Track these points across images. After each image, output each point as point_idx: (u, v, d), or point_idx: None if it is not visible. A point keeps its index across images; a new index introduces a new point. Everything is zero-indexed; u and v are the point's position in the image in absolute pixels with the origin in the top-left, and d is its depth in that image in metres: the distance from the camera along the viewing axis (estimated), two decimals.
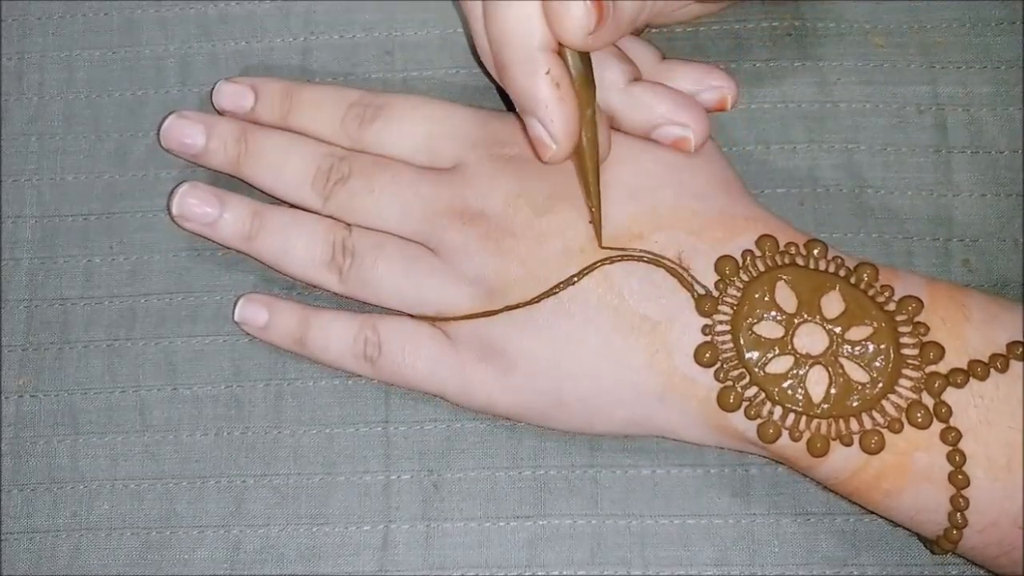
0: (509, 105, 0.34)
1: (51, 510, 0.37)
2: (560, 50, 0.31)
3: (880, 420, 0.32)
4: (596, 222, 0.33)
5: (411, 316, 0.36)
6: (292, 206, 0.37)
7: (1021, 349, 0.31)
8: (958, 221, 0.38)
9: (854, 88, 0.39)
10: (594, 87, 0.32)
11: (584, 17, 0.30)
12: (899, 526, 0.35)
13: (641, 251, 0.33)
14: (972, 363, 0.31)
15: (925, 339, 0.32)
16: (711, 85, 0.36)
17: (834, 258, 0.33)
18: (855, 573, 0.35)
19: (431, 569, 0.36)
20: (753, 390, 0.32)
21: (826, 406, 0.32)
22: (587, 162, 0.32)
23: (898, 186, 0.38)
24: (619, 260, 0.33)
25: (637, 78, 0.35)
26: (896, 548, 0.35)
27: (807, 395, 0.32)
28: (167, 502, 0.37)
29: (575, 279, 0.33)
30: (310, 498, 0.36)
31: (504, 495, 0.36)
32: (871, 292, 0.33)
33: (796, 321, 0.32)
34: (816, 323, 0.32)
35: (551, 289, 0.33)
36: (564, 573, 0.36)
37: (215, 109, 0.38)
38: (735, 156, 0.38)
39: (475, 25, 0.33)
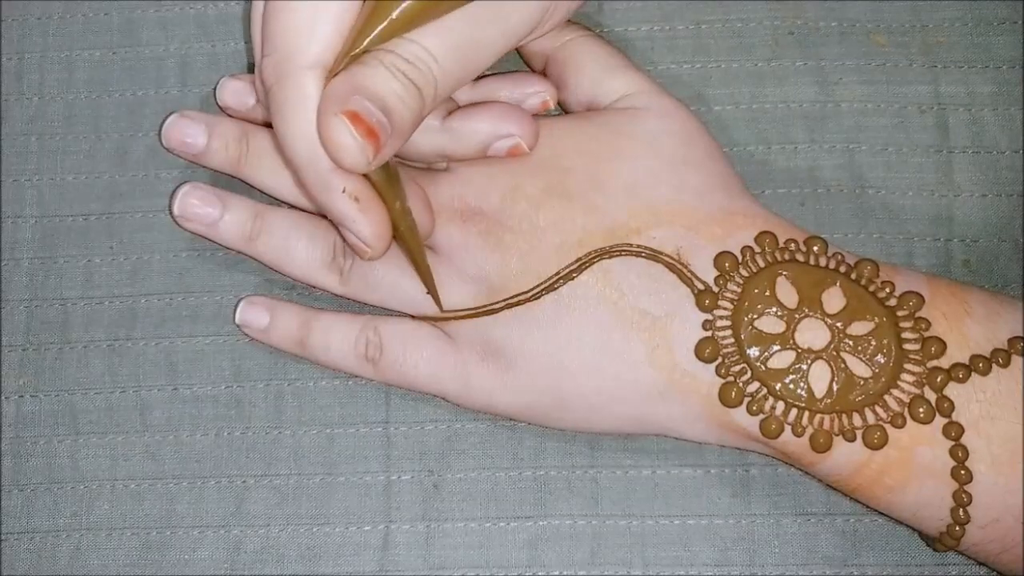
0: None
1: (51, 510, 0.37)
2: None
3: (883, 415, 0.32)
4: (433, 295, 0.34)
5: (412, 316, 0.36)
6: (293, 207, 0.37)
7: (1022, 344, 0.31)
8: (959, 221, 0.38)
9: (855, 88, 0.39)
10: (397, 177, 0.31)
11: (359, 154, 0.29)
12: (901, 524, 0.35)
13: (639, 246, 0.33)
14: (974, 358, 0.32)
15: (926, 334, 0.32)
16: (529, 92, 0.36)
17: (834, 255, 0.34)
18: (855, 573, 0.35)
19: (431, 569, 0.36)
20: (755, 385, 0.32)
21: (828, 401, 0.32)
22: (411, 245, 0.32)
23: (899, 186, 0.38)
24: (618, 254, 0.33)
25: (451, 110, 0.35)
26: (896, 548, 0.35)
27: (809, 390, 0.32)
28: (167, 502, 0.37)
29: (574, 273, 0.33)
30: (310, 498, 0.36)
31: (504, 495, 0.36)
32: (872, 288, 0.33)
33: (797, 316, 0.32)
34: (817, 318, 0.32)
35: (549, 281, 0.33)
36: (564, 573, 0.36)
37: (218, 105, 0.38)
38: (736, 156, 0.38)
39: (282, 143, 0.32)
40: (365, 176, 0.30)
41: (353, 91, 0.28)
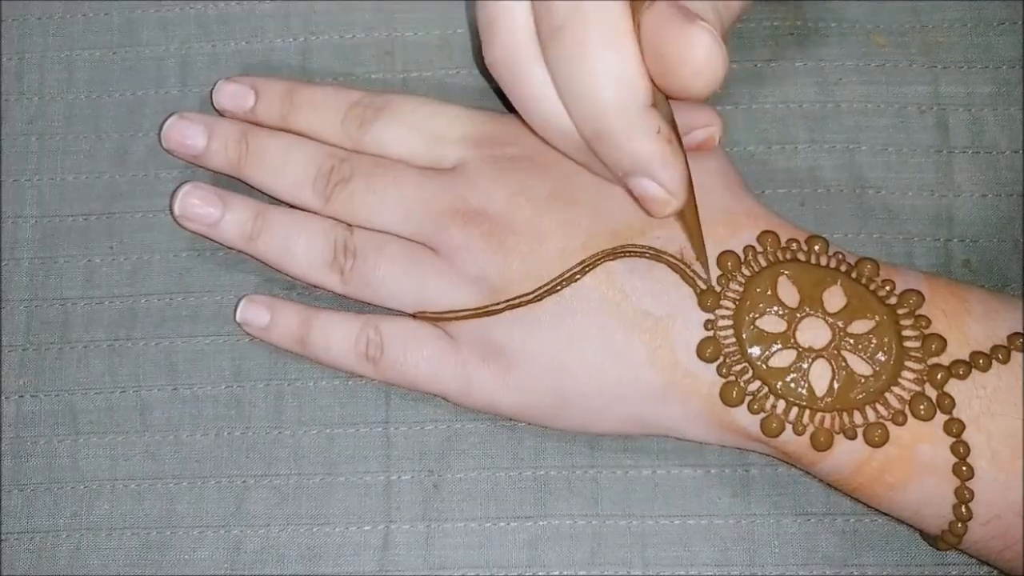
0: (509, 106, 0.33)
1: (51, 510, 0.37)
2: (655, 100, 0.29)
3: (884, 413, 0.32)
4: (703, 259, 0.32)
5: (413, 316, 0.36)
6: (294, 207, 0.37)
7: (1022, 340, 0.32)
8: (959, 221, 0.38)
9: (855, 88, 0.39)
10: (676, 125, 0.30)
11: (720, 70, 0.27)
12: (901, 524, 0.35)
13: (642, 246, 0.33)
14: (974, 354, 0.32)
15: (927, 332, 0.32)
16: (698, 124, 0.35)
17: (835, 254, 0.34)
18: (855, 573, 0.35)
19: (431, 569, 0.36)
20: (756, 384, 0.32)
21: (829, 399, 0.32)
22: (688, 204, 0.31)
23: (899, 186, 0.38)
24: (621, 256, 0.33)
25: None
26: (896, 548, 0.35)
27: (810, 388, 0.32)
28: (167, 502, 0.37)
29: (577, 275, 0.33)
30: (310, 498, 0.36)
31: (505, 495, 0.36)
32: (872, 287, 0.33)
33: (798, 315, 0.32)
34: (818, 317, 0.32)
35: (552, 284, 0.33)
36: (564, 573, 0.36)
37: (215, 108, 0.38)
38: (736, 156, 0.38)
39: (532, 94, 0.30)
40: (671, 122, 0.29)
41: (687, 10, 0.27)
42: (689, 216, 0.32)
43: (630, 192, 0.31)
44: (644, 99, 0.28)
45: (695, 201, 0.32)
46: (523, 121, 0.33)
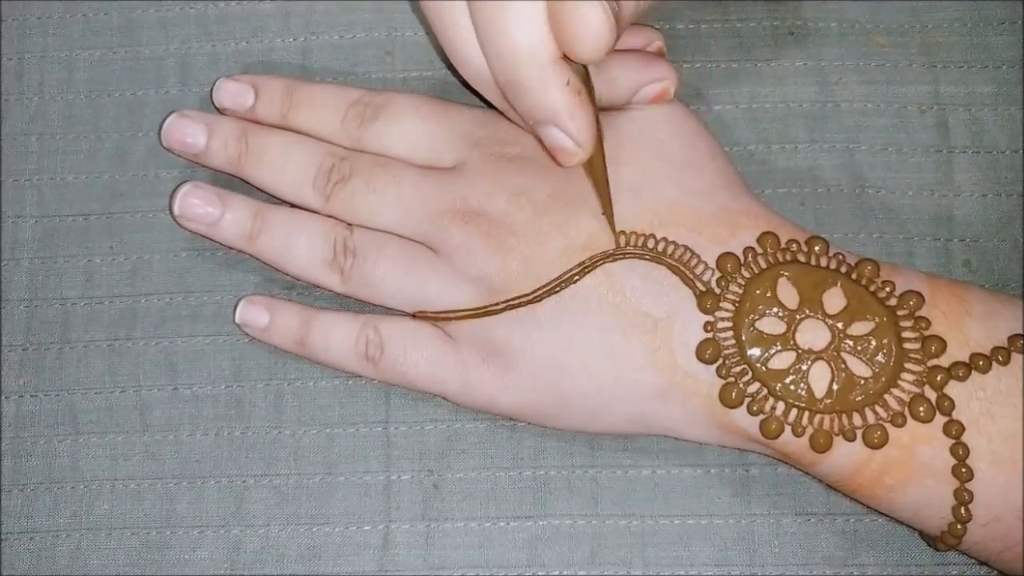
0: None
1: (51, 510, 0.37)
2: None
3: (883, 414, 0.32)
4: (608, 214, 0.33)
5: (412, 316, 0.36)
6: (294, 206, 0.37)
7: (1022, 342, 0.32)
8: (959, 221, 0.38)
9: (855, 88, 0.39)
10: (591, 83, 0.32)
11: (609, 35, 0.28)
12: (901, 524, 0.35)
13: (643, 248, 0.33)
14: (974, 356, 0.32)
15: (926, 333, 0.32)
16: (651, 78, 0.35)
17: (835, 255, 0.34)
18: (855, 573, 0.35)
19: (431, 569, 0.36)
20: (755, 386, 0.32)
21: (828, 401, 0.32)
22: (598, 155, 0.32)
23: (899, 186, 0.38)
24: (621, 257, 0.33)
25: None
26: (896, 548, 0.35)
27: (810, 390, 0.32)
28: (167, 502, 0.37)
29: (576, 276, 0.33)
30: (310, 498, 0.36)
31: (504, 495, 0.36)
32: (872, 288, 0.33)
33: (798, 317, 0.32)
34: (818, 319, 0.32)
35: (552, 284, 0.33)
36: (564, 573, 0.36)
37: (215, 107, 0.38)
38: (736, 156, 0.38)
39: (458, 39, 0.31)
40: (582, 75, 0.30)
41: None
42: (597, 168, 0.33)
43: (540, 141, 0.32)
44: (552, 50, 0.29)
45: (603, 154, 0.33)
46: None
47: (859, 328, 0.32)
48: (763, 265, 0.33)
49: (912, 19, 0.39)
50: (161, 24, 0.40)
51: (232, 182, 0.38)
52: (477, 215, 0.35)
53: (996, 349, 0.32)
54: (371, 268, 0.35)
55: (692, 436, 0.34)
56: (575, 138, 0.31)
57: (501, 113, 0.36)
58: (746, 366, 0.32)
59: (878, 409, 0.32)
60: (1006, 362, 0.31)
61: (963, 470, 0.31)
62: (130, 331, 0.38)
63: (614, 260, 0.33)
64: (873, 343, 0.32)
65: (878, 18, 0.39)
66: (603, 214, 0.33)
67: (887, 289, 0.33)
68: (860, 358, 0.32)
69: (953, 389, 0.32)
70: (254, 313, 0.37)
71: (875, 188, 0.38)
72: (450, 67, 0.40)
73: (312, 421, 0.37)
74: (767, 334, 0.32)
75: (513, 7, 0.29)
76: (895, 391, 0.32)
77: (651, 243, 0.33)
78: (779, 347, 0.32)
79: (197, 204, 0.37)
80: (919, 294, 0.32)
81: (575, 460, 0.36)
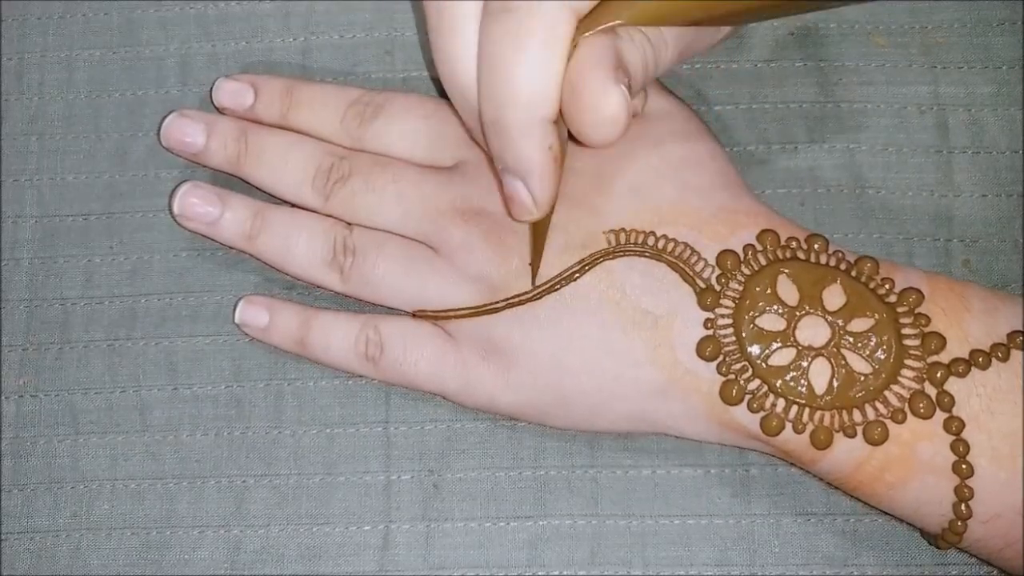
0: None
1: (51, 510, 0.37)
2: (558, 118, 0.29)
3: (883, 411, 0.32)
4: (535, 265, 0.33)
5: (412, 315, 0.36)
6: (293, 205, 0.37)
7: (1022, 338, 0.32)
8: (959, 221, 0.38)
9: (855, 88, 0.39)
10: (566, 147, 0.31)
11: (621, 125, 0.28)
12: (901, 524, 0.35)
13: (642, 246, 0.33)
14: (974, 352, 0.32)
15: (926, 330, 0.32)
16: None
17: (835, 252, 0.34)
18: (855, 573, 0.35)
19: (431, 569, 0.36)
20: (756, 383, 0.32)
21: (829, 398, 0.32)
22: (547, 218, 0.32)
23: (899, 186, 0.38)
24: (621, 255, 0.33)
25: None
26: (896, 548, 0.35)
27: (810, 387, 0.32)
28: (167, 502, 0.37)
29: (576, 274, 0.33)
30: (310, 498, 0.36)
31: (504, 495, 0.36)
32: (872, 285, 0.33)
33: (798, 314, 0.32)
34: (818, 315, 0.32)
35: (552, 282, 0.33)
36: (564, 573, 0.36)
37: (215, 106, 0.38)
38: (736, 156, 0.38)
39: (454, 50, 0.30)
40: (562, 143, 0.29)
41: (619, 62, 0.28)
42: (540, 230, 0.33)
43: (499, 184, 0.32)
44: (551, 111, 0.28)
45: (550, 220, 0.32)
46: None
47: (859, 325, 0.32)
48: (763, 262, 0.33)
49: (912, 19, 0.39)
50: (161, 24, 0.40)
51: (232, 182, 0.38)
52: (477, 214, 0.35)
53: (996, 345, 0.32)
54: (371, 267, 0.35)
55: (692, 434, 0.34)
56: (536, 200, 0.30)
57: None
58: (746, 363, 0.32)
59: (878, 406, 0.32)
60: (1006, 358, 0.31)
61: (963, 466, 0.31)
62: (130, 331, 0.38)
63: (614, 258, 0.33)
64: (873, 340, 0.32)
65: (878, 19, 0.39)
66: (530, 264, 0.33)
67: (887, 286, 0.33)
68: (860, 355, 0.32)
69: (953, 385, 0.32)
70: (254, 313, 0.37)
71: (875, 188, 0.38)
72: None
73: (312, 421, 0.37)
74: (767, 331, 0.32)
75: (531, 50, 0.28)
76: (895, 388, 0.32)
77: (651, 240, 0.33)
78: (779, 344, 0.32)
79: (196, 203, 0.37)
80: (919, 291, 0.32)
81: (575, 460, 0.36)
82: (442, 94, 0.39)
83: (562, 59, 0.28)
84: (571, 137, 0.30)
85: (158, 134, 0.39)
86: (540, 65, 0.28)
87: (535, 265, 0.33)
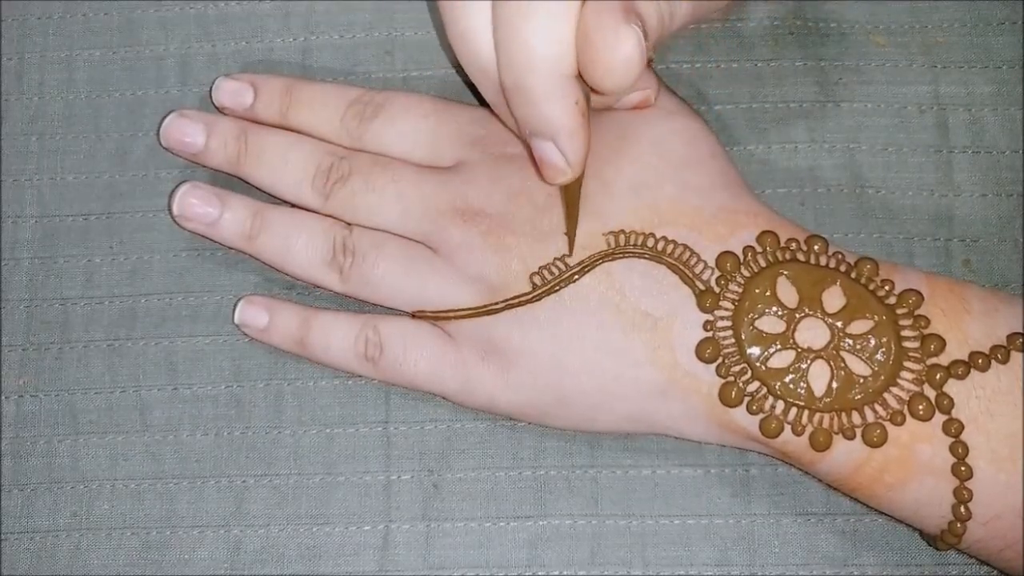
0: None
1: (51, 510, 0.37)
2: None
3: (882, 413, 0.32)
4: (571, 234, 0.33)
5: (412, 315, 0.36)
6: (293, 205, 0.37)
7: (1021, 340, 0.32)
8: (959, 221, 0.38)
9: (855, 88, 0.39)
10: (590, 103, 0.31)
11: (638, 66, 0.28)
12: (901, 524, 0.35)
13: (642, 247, 0.33)
14: (973, 354, 0.32)
15: (926, 332, 0.32)
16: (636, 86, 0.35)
17: (835, 254, 0.34)
18: (855, 573, 0.35)
19: (431, 569, 0.36)
20: (755, 385, 0.32)
21: (828, 400, 0.32)
22: (577, 180, 0.32)
23: (899, 186, 0.38)
24: (620, 256, 0.33)
25: None
26: (896, 548, 0.35)
27: (809, 389, 0.32)
28: (167, 502, 0.37)
29: (576, 275, 0.33)
30: (310, 498, 0.36)
31: (504, 495, 0.36)
32: (871, 286, 0.33)
33: (797, 316, 0.32)
34: (817, 317, 0.32)
35: (552, 283, 0.33)
36: (564, 573, 0.36)
37: (214, 106, 0.38)
38: (736, 155, 0.38)
39: (470, 27, 0.30)
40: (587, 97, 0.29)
41: (631, 7, 0.28)
42: (573, 189, 0.33)
43: (529, 152, 0.32)
44: (571, 66, 0.29)
45: (582, 180, 0.32)
46: None
47: (858, 327, 0.32)
48: (762, 264, 0.33)
49: (912, 19, 0.39)
50: (161, 24, 0.40)
51: (231, 182, 0.38)
52: (476, 214, 0.35)
53: (995, 347, 0.32)
54: (370, 267, 0.35)
55: (692, 434, 0.34)
56: (569, 159, 0.31)
57: None
58: (745, 365, 0.32)
59: (877, 407, 0.32)
60: (1005, 360, 0.31)
61: (963, 468, 0.31)
62: (130, 331, 0.38)
63: (614, 259, 0.33)
64: (872, 341, 0.32)
65: (878, 18, 0.39)
66: (565, 233, 0.33)
67: (886, 288, 0.33)
68: (859, 357, 0.32)
69: (952, 387, 0.32)
70: (253, 313, 0.37)
71: (875, 188, 0.38)
72: (455, 62, 0.40)
73: (312, 421, 0.37)
74: (766, 333, 0.32)
75: (542, 10, 0.28)
76: (894, 389, 0.32)
77: (651, 242, 0.33)
78: (778, 346, 0.32)
79: (196, 204, 0.37)
80: (918, 292, 0.32)
81: (575, 460, 0.36)
82: (441, 94, 0.39)
83: (575, 13, 0.28)
84: None
85: (158, 134, 0.39)
86: (554, 22, 0.28)
87: (571, 234, 0.33)
